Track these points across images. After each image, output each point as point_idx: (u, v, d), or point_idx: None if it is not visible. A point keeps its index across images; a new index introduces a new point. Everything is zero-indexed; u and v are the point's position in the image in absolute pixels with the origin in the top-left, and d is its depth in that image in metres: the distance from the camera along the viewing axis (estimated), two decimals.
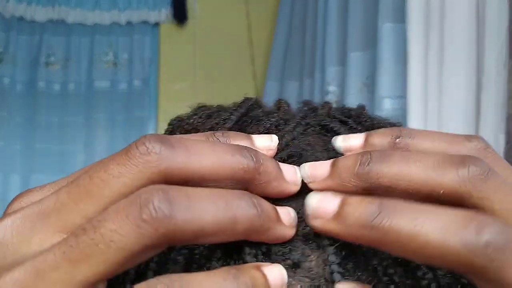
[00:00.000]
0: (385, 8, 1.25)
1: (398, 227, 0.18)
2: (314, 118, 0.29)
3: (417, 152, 0.20)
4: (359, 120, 0.28)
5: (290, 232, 0.21)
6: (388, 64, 1.24)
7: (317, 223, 0.20)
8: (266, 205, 0.20)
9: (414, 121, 1.13)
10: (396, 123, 0.30)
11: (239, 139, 0.23)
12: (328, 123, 0.28)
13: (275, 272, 0.19)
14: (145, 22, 2.05)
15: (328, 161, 0.21)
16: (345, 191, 0.20)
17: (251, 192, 0.20)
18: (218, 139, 0.22)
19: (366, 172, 0.20)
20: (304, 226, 0.22)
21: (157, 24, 2.07)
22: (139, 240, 0.17)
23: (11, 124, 1.97)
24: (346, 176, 0.20)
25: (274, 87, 1.82)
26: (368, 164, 0.20)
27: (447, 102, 1.09)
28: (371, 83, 1.30)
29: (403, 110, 1.17)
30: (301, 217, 0.22)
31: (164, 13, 2.05)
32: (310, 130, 0.28)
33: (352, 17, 1.38)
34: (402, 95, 1.19)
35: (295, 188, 0.22)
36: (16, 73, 2.00)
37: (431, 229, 0.17)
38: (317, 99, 1.52)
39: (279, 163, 0.22)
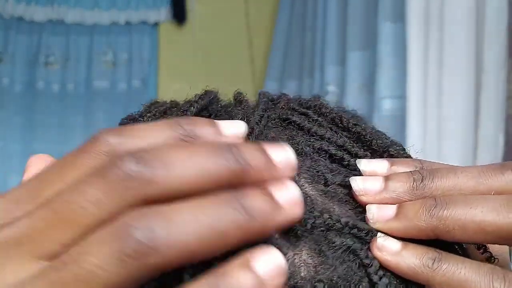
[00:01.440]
0: (385, 8, 1.25)
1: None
2: (274, 110, 0.28)
3: (478, 196, 0.22)
4: (320, 112, 0.28)
5: (295, 212, 0.19)
6: (388, 63, 1.24)
7: (379, 225, 0.22)
8: (258, 202, 0.18)
9: (414, 121, 1.13)
10: (356, 114, 0.30)
11: (206, 127, 0.21)
12: (289, 116, 0.27)
13: (268, 264, 0.18)
14: (144, 22, 2.05)
15: (379, 179, 0.23)
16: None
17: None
18: (183, 127, 0.20)
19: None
20: None
21: (156, 24, 2.07)
22: (122, 275, 0.16)
23: (10, 124, 1.97)
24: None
25: (274, 86, 1.82)
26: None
27: (446, 102, 1.09)
28: (370, 83, 1.30)
29: (403, 110, 1.17)
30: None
31: (163, 13, 2.05)
32: (271, 123, 0.27)
33: (352, 16, 1.38)
34: (401, 95, 1.19)
35: (289, 171, 0.20)
36: (15, 73, 1.99)
37: (485, 210, 0.20)
38: None
39: (264, 144, 0.20)
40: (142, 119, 0.28)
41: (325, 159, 0.25)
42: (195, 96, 0.29)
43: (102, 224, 0.17)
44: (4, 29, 2.00)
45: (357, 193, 0.23)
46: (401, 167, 0.24)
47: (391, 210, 0.22)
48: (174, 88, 2.07)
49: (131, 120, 0.30)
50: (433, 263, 0.21)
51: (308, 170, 0.24)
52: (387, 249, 0.21)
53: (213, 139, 0.21)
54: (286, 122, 0.27)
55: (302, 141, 0.25)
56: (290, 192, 0.19)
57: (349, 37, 1.38)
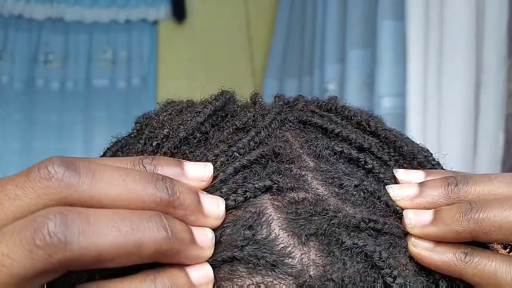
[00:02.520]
0: (385, 6, 1.25)
1: (490, 214, 0.21)
2: (291, 113, 0.28)
3: (497, 186, 0.23)
4: (344, 114, 0.28)
5: (205, 253, 0.20)
6: (388, 61, 1.23)
7: (417, 231, 0.23)
8: (179, 227, 0.19)
9: (414, 120, 1.13)
10: (378, 117, 0.31)
11: (169, 167, 0.21)
12: (310, 117, 0.27)
13: (199, 270, 0.19)
14: (143, 20, 2.05)
15: (414, 185, 0.24)
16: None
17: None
18: (144, 166, 0.20)
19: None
20: None
21: (155, 22, 2.07)
22: (32, 266, 0.16)
23: (9, 122, 1.97)
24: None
25: (273, 84, 1.82)
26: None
27: (446, 100, 1.09)
28: (370, 81, 1.30)
29: (403, 108, 1.17)
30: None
31: (162, 11, 2.04)
32: (288, 126, 0.27)
33: (352, 14, 1.38)
34: (401, 93, 1.19)
35: (216, 222, 0.21)
36: (14, 71, 1.99)
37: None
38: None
39: (205, 194, 0.21)
40: (157, 118, 0.28)
41: (344, 163, 0.25)
42: (210, 96, 0.29)
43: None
44: (3, 27, 2.00)
45: (394, 199, 0.24)
46: (436, 177, 0.25)
47: (428, 215, 0.23)
48: (173, 86, 2.07)
49: (147, 119, 0.30)
50: (465, 257, 0.21)
51: (323, 173, 0.24)
52: (422, 245, 0.22)
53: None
54: (305, 124, 0.27)
55: (321, 144, 0.25)
56: (207, 235, 0.20)
57: (349, 35, 1.38)
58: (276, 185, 0.22)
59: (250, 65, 2.05)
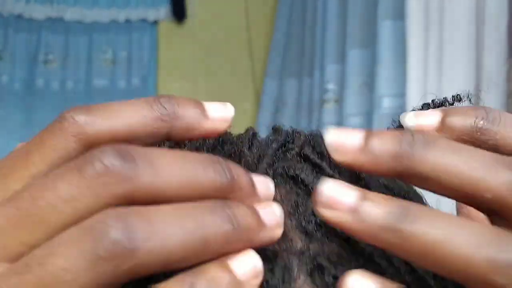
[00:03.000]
0: (385, 6, 1.25)
1: (422, 233, 0.16)
2: (282, 161, 0.23)
3: (469, 147, 0.18)
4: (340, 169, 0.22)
5: (276, 233, 0.18)
6: (388, 61, 1.24)
7: (328, 214, 0.17)
8: (243, 213, 0.17)
9: None
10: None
11: (189, 106, 0.19)
12: (298, 172, 0.22)
13: (244, 262, 0.17)
14: (143, 20, 2.05)
15: (361, 132, 0.18)
16: (374, 171, 0.18)
17: None
18: (163, 106, 0.19)
19: (407, 155, 0.17)
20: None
21: (156, 22, 2.07)
22: (96, 280, 0.15)
23: (10, 122, 1.97)
24: (382, 154, 0.17)
25: (273, 85, 1.82)
26: (411, 146, 0.17)
27: None
28: (370, 81, 1.30)
29: (402, 109, 1.17)
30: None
31: (163, 11, 2.05)
32: (277, 181, 0.22)
33: (352, 14, 1.38)
34: (401, 93, 1.19)
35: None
36: (14, 71, 1.99)
37: (458, 241, 0.16)
38: (316, 97, 1.52)
39: (254, 175, 0.19)
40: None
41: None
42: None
43: (75, 224, 0.16)
44: (3, 27, 2.00)
45: (328, 149, 0.19)
46: (458, 121, 0.20)
47: (349, 198, 0.17)
48: (173, 86, 2.07)
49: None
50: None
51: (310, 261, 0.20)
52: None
53: (196, 120, 0.19)
54: (294, 179, 0.23)
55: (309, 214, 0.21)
56: (275, 213, 0.18)
57: (349, 36, 1.38)
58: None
59: (250, 65, 2.05)
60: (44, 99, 1.98)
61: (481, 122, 0.19)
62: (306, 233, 0.20)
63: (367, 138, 0.18)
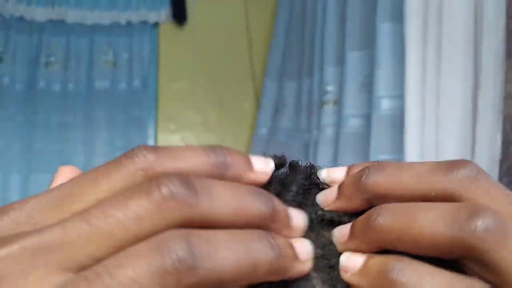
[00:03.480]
0: (383, 8, 1.26)
1: (403, 282, 0.19)
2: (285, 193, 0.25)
3: (409, 162, 0.22)
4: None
5: (307, 267, 0.20)
6: (386, 63, 1.24)
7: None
8: (283, 244, 0.19)
9: (412, 121, 1.13)
10: None
11: (239, 157, 0.21)
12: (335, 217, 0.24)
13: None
14: (144, 22, 2.06)
15: (336, 185, 0.23)
16: (353, 209, 0.22)
17: None
18: (217, 154, 0.21)
19: (363, 184, 0.21)
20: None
21: (156, 24, 2.08)
22: None
23: (11, 124, 1.98)
24: (349, 192, 0.22)
25: (273, 86, 1.83)
26: (365, 176, 0.21)
27: (444, 101, 1.10)
28: (369, 83, 1.31)
29: (401, 110, 1.18)
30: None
31: (163, 13, 2.05)
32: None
33: (351, 16, 1.39)
34: (400, 95, 1.20)
35: (300, 234, 0.21)
36: (16, 73, 2.00)
37: (425, 222, 0.19)
38: (315, 99, 1.53)
39: (288, 207, 0.21)
40: None
41: None
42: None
43: (138, 241, 0.17)
44: (4, 29, 2.01)
45: (321, 205, 0.23)
46: (358, 170, 0.24)
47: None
48: (174, 87, 2.08)
49: None
50: (393, 274, 0.19)
51: None
52: (351, 268, 0.21)
53: (243, 170, 0.21)
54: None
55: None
56: (307, 247, 0.21)
57: (348, 38, 1.38)
58: None
59: (250, 67, 2.06)
60: (45, 100, 1.99)
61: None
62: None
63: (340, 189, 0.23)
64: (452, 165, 0.21)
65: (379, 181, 0.21)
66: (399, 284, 0.19)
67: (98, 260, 0.17)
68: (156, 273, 0.16)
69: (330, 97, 1.45)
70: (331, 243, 0.22)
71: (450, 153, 1.08)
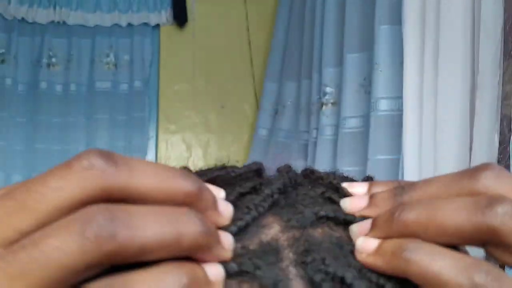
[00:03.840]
0: (382, 10, 1.26)
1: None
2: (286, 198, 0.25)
3: (442, 199, 0.22)
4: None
5: (227, 254, 0.21)
6: (385, 65, 1.25)
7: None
8: (210, 224, 0.20)
9: (410, 122, 1.14)
10: None
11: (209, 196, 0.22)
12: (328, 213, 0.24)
13: (214, 268, 0.20)
14: (145, 24, 2.07)
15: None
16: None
17: None
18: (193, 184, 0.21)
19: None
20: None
21: (157, 26, 2.09)
22: (82, 258, 0.17)
23: (13, 124, 1.98)
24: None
25: (273, 87, 1.84)
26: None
27: (442, 102, 1.10)
28: (367, 84, 1.32)
29: (399, 111, 1.19)
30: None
31: (164, 15, 2.06)
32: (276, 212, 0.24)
33: (349, 19, 1.39)
34: (398, 96, 1.20)
35: (225, 222, 0.22)
36: (18, 74, 2.01)
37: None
38: (314, 100, 1.54)
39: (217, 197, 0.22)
40: None
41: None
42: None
43: (63, 213, 0.18)
44: (6, 31, 2.02)
45: (345, 212, 0.24)
46: (380, 187, 0.25)
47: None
48: (175, 89, 2.09)
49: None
50: (407, 254, 0.20)
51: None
52: (366, 250, 0.22)
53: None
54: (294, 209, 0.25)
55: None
56: (229, 237, 0.21)
57: (347, 39, 1.39)
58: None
59: (250, 68, 2.07)
60: (47, 101, 2.00)
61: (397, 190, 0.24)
62: (312, 283, 0.21)
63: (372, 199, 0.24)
64: (490, 203, 0.20)
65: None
66: (413, 262, 0.20)
67: (25, 233, 0.17)
68: (78, 239, 0.17)
69: (329, 98, 1.46)
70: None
71: (448, 154, 1.09)
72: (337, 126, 1.40)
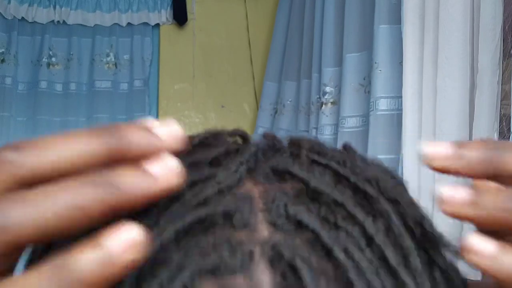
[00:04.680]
0: (381, 10, 1.27)
1: None
2: (268, 159, 0.24)
3: None
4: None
5: (171, 181, 0.19)
6: (384, 65, 1.25)
7: (452, 209, 0.20)
8: (127, 176, 0.18)
9: (409, 121, 1.14)
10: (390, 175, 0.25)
11: (136, 134, 0.20)
12: (289, 167, 0.22)
13: (120, 239, 0.18)
14: (145, 24, 2.07)
15: (448, 144, 0.21)
16: (469, 175, 0.20)
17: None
18: (110, 134, 0.20)
19: (497, 160, 0.20)
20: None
21: (157, 26, 2.09)
22: None
23: (13, 124, 1.99)
24: (474, 160, 0.20)
25: (272, 87, 1.84)
26: (496, 151, 0.20)
27: (441, 102, 1.11)
28: (367, 84, 1.32)
29: (399, 110, 1.19)
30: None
31: (164, 15, 2.07)
32: (259, 178, 0.23)
33: (349, 19, 1.40)
34: (397, 96, 1.21)
35: (175, 144, 0.20)
36: (18, 73, 2.01)
37: None
38: (314, 99, 1.54)
39: (149, 121, 0.20)
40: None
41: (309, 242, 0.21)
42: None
43: None
44: (7, 30, 2.02)
45: (424, 159, 0.21)
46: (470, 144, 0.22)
47: (467, 194, 0.20)
48: (175, 88, 2.09)
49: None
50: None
51: (273, 249, 0.20)
52: (484, 252, 0.19)
53: (147, 144, 0.20)
54: (281, 175, 0.23)
55: (286, 208, 0.21)
56: (164, 163, 0.19)
57: (346, 39, 1.39)
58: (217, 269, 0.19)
59: (250, 68, 2.07)
60: (47, 101, 2.00)
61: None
62: (275, 226, 0.20)
63: (460, 148, 0.21)
64: None
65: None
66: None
67: None
68: None
69: (328, 97, 1.46)
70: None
71: None
72: (336, 126, 1.41)
